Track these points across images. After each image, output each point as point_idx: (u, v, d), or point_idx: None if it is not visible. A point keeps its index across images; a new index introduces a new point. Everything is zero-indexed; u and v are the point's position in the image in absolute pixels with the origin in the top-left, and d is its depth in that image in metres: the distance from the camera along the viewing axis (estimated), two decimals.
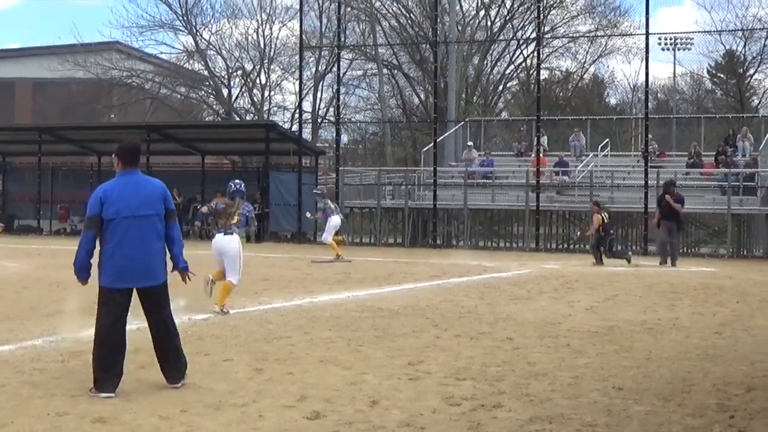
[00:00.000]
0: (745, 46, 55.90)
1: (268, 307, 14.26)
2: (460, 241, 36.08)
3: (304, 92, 49.57)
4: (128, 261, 8.00)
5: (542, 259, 28.32)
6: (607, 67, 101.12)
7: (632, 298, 16.58)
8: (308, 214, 28.19)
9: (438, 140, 38.05)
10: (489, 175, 37.26)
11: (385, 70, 54.90)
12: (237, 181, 14.40)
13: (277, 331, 11.63)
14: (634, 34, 52.64)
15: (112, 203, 8.00)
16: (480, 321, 12.92)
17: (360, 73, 57.54)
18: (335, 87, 43.04)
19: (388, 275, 20.75)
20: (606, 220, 26.27)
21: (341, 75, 44.94)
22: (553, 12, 54.52)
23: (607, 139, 40.39)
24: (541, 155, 35.55)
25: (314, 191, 29.57)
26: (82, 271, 8.11)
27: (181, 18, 56.20)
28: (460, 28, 52.60)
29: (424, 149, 40.39)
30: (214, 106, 60.08)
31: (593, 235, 26.22)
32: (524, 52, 56.63)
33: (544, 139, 38.20)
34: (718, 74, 61.87)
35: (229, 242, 13.67)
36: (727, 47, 57.41)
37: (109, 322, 8.01)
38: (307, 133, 51.35)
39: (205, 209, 14.46)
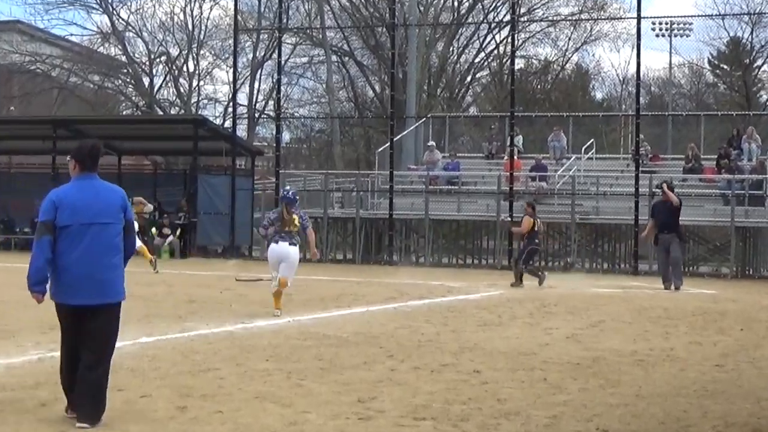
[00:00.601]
0: (751, 33, 56.73)
1: (194, 333, 14.16)
2: (421, 257, 36.13)
3: (239, 82, 49.65)
4: (85, 270, 8.09)
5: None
6: (593, 56, 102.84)
7: (620, 324, 16.65)
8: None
9: (395, 139, 38.09)
10: (454, 181, 37.39)
11: (334, 57, 54.99)
12: (287, 188, 17.34)
13: (204, 363, 11.56)
14: (624, 18, 53.23)
15: (68, 208, 8.12)
16: (442, 351, 12.92)
17: (305, 60, 57.78)
18: (275, 76, 43.06)
19: (336, 297, 20.73)
20: (537, 228, 25.94)
21: (283, 62, 44.94)
22: None
23: (592, 140, 40.63)
24: (515, 158, 35.64)
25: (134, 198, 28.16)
26: (38, 284, 8.10)
27: None
28: (422, 8, 52.82)
29: (379, 150, 40.48)
30: (134, 98, 59.98)
31: (519, 240, 25.79)
32: (496, 37, 57.16)
33: (519, 139, 38.40)
34: (721, 65, 62.61)
35: (292, 250, 16.59)
36: (732, 34, 58.17)
37: (68, 337, 8.27)
38: (242, 130, 51.50)
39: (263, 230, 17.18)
